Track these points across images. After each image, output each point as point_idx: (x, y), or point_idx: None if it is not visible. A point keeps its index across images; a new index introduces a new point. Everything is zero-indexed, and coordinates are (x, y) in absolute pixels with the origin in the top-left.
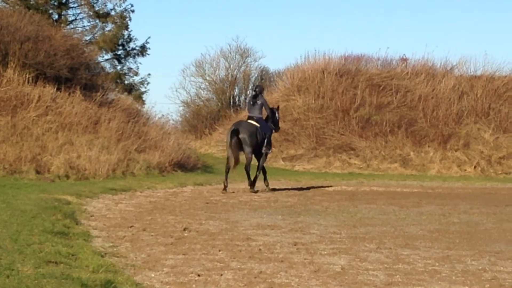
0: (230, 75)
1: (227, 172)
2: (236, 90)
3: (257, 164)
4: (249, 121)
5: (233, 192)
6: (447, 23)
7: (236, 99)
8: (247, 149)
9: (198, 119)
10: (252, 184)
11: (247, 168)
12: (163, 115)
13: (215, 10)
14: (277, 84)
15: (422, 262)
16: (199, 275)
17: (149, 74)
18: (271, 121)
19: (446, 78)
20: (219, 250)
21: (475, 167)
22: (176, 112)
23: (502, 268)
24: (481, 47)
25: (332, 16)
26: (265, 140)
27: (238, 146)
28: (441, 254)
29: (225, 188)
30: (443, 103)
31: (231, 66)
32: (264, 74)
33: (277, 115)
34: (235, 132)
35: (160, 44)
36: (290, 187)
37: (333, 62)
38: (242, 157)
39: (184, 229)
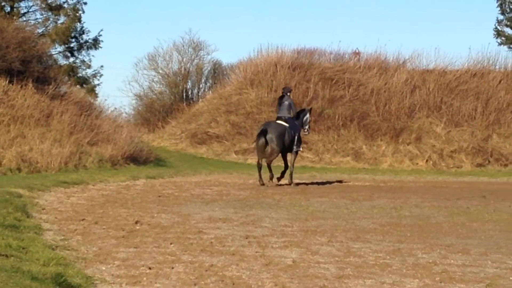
0: (183, 69)
1: (259, 169)
2: (189, 83)
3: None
4: (278, 121)
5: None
6: (399, 16)
7: (189, 93)
8: (274, 148)
9: (151, 112)
10: (280, 177)
11: (269, 166)
12: (115, 108)
13: (168, 2)
14: (230, 77)
15: (373, 255)
16: (150, 268)
17: (101, 66)
18: (301, 121)
19: (398, 72)
20: (171, 243)
21: (427, 160)
22: (129, 105)
23: (452, 261)
24: (433, 41)
25: (285, 9)
26: (295, 139)
27: (264, 146)
28: (392, 247)
29: (262, 184)
30: (396, 97)
31: (184, 59)
32: (217, 68)
33: (308, 116)
34: (263, 133)
35: (112, 37)
36: (313, 181)
37: (286, 55)
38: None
39: (136, 222)
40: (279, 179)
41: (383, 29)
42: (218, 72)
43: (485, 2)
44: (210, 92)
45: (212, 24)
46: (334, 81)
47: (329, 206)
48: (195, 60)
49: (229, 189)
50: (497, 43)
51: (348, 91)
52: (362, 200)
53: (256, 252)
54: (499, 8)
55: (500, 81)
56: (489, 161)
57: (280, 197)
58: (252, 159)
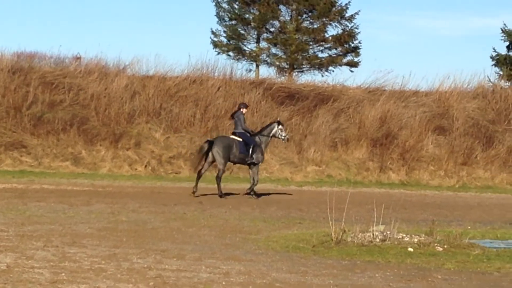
0: None
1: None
2: None
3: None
4: (231, 136)
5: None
6: (120, 21)
7: None
8: (219, 160)
9: None
10: (249, 190)
11: (217, 179)
12: None
13: None
14: None
15: (89, 260)
16: None
17: None
18: (267, 134)
19: (118, 78)
20: None
21: (145, 166)
22: None
23: (167, 266)
24: (153, 48)
25: (4, 11)
26: (249, 152)
27: (202, 155)
28: (108, 252)
29: (193, 192)
30: (116, 102)
31: None
32: None
33: (276, 128)
34: (208, 144)
35: None
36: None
37: (6, 58)
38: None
39: None
40: (248, 193)
41: (104, 34)
42: None
43: (204, 10)
44: None
45: None
46: (54, 86)
47: (46, 210)
48: None
49: None
50: (215, 52)
51: (68, 96)
52: (80, 205)
53: None
54: (216, 18)
55: (218, 88)
56: None
57: None
58: None
